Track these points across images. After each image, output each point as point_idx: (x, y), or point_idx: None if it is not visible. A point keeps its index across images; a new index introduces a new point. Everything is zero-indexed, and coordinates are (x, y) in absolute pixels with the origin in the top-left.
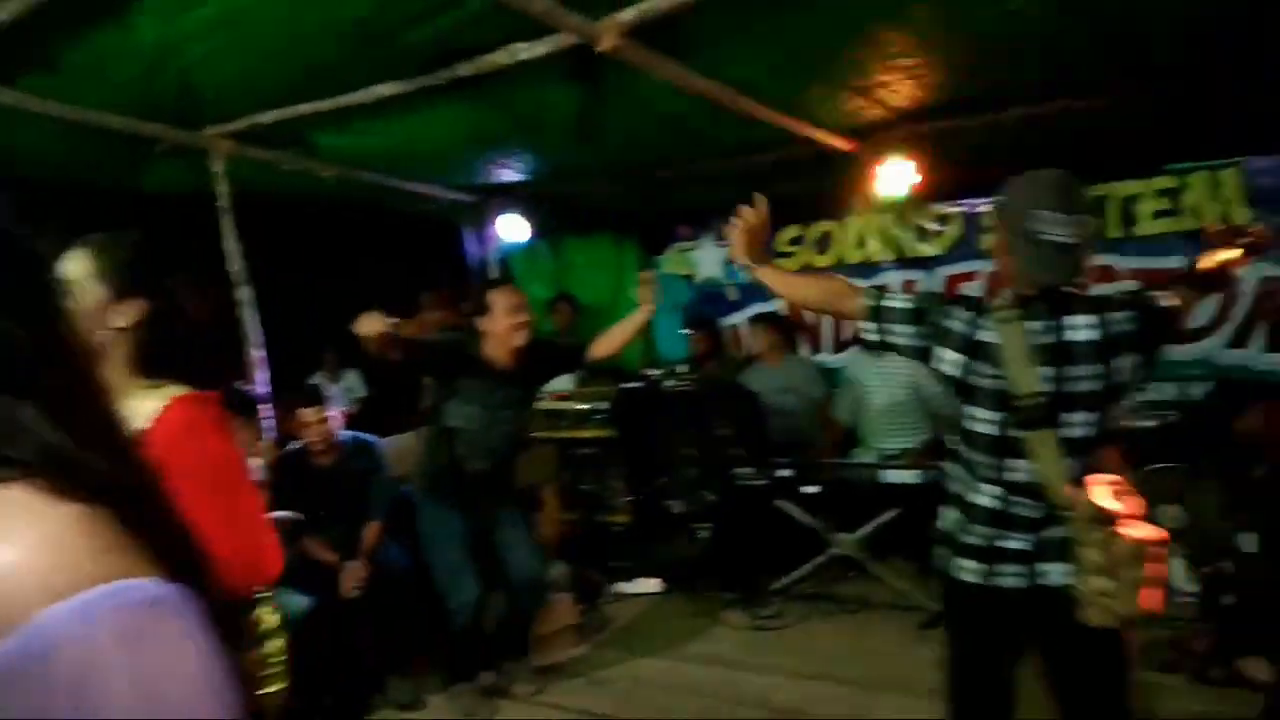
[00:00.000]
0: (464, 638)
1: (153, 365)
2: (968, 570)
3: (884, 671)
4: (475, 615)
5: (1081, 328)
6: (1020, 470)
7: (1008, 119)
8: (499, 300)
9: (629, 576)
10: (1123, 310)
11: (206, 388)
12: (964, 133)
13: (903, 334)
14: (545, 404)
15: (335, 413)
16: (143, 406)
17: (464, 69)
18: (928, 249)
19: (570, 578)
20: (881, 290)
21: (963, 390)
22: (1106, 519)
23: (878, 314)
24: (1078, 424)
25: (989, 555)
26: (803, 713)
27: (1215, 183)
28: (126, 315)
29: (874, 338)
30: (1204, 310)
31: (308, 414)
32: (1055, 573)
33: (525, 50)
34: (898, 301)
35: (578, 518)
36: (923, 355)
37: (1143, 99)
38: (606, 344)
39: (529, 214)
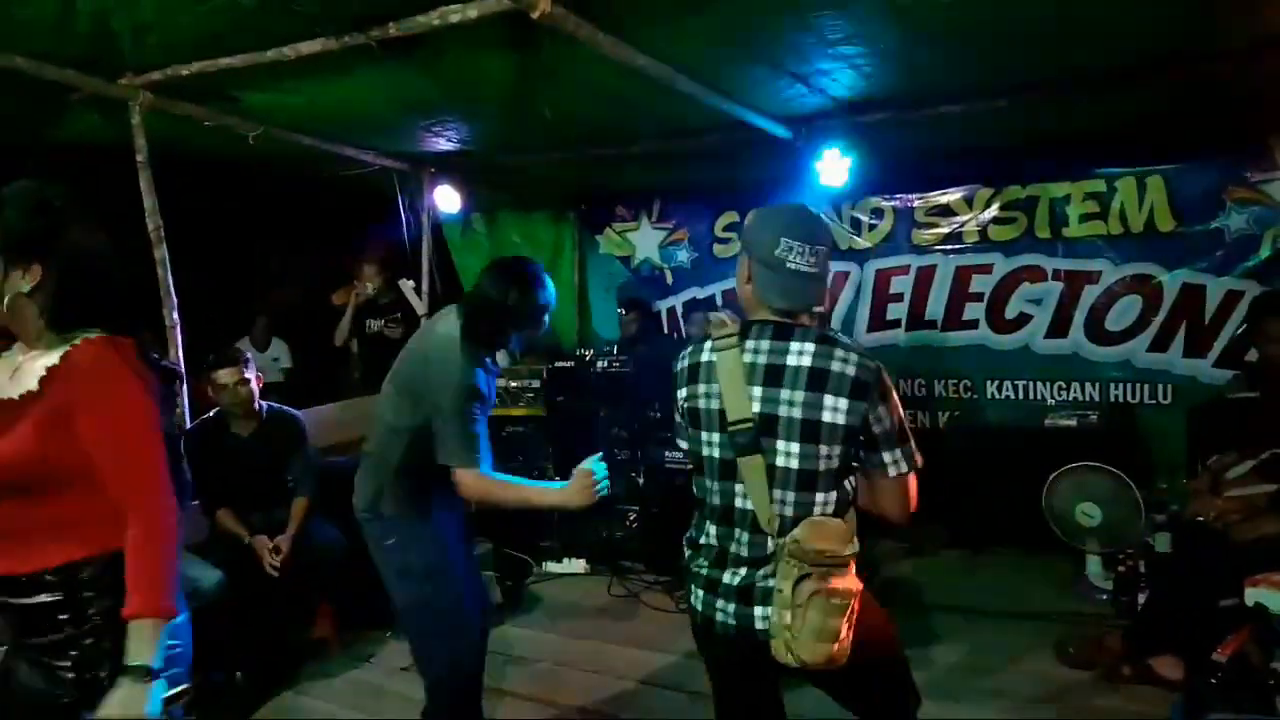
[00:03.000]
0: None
1: (63, 320)
2: (696, 599)
3: None
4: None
5: (800, 354)
6: (734, 495)
7: (945, 115)
8: None
9: (555, 556)
10: (847, 357)
11: (126, 334)
12: (902, 126)
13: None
14: None
15: (253, 376)
16: (51, 355)
17: (393, 29)
18: (860, 242)
19: (496, 556)
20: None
21: (693, 416)
22: (807, 557)
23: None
24: (789, 454)
25: (710, 587)
26: None
27: (1142, 188)
28: (28, 279)
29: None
30: (1125, 313)
31: (224, 374)
32: (758, 615)
33: (456, 13)
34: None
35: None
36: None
37: (1076, 102)
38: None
39: (465, 186)
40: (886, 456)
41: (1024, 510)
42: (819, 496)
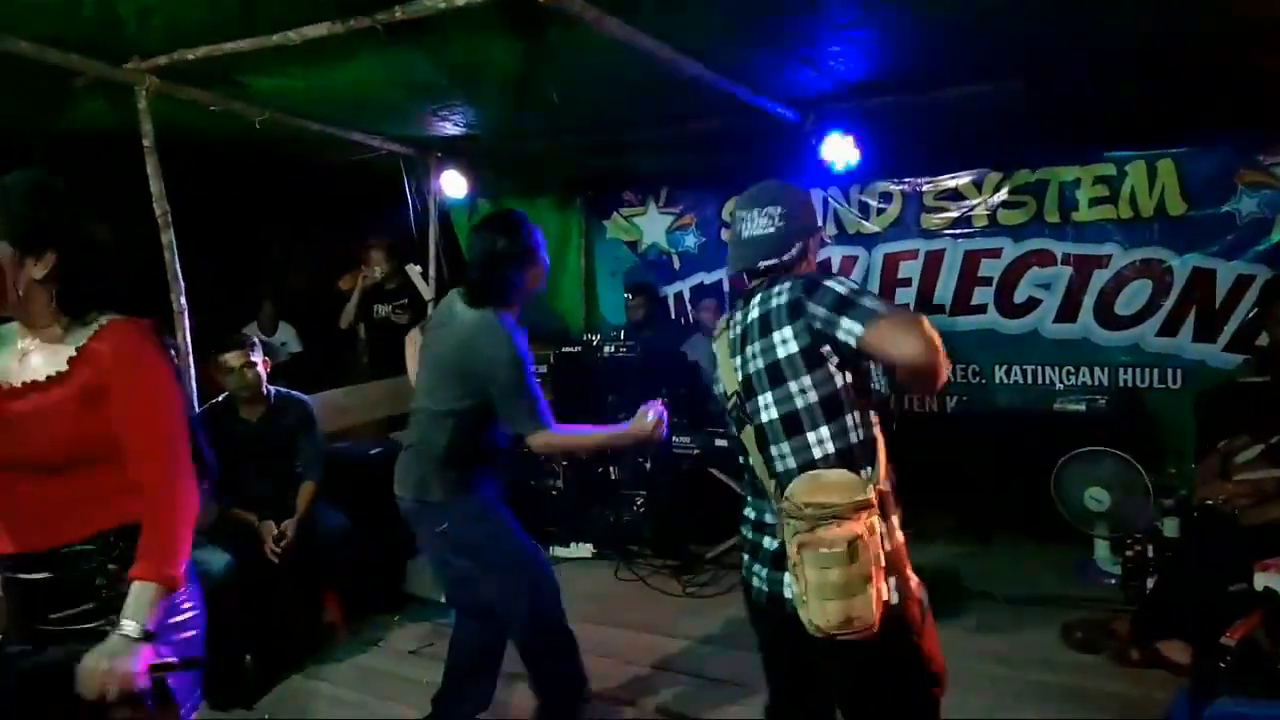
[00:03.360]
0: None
1: (75, 304)
2: (744, 565)
3: None
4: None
5: (754, 308)
6: (751, 468)
7: (953, 97)
8: None
9: (563, 541)
10: (782, 289)
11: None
12: (910, 110)
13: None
14: None
15: (260, 360)
16: (73, 337)
17: (399, 12)
18: (869, 226)
19: None
20: None
21: (721, 403)
22: (801, 513)
23: None
24: (767, 405)
25: (752, 551)
26: (732, 681)
27: (1152, 171)
28: (41, 268)
29: None
30: (1135, 297)
31: (230, 358)
32: (786, 581)
33: None
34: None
35: (513, 481)
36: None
37: (1086, 83)
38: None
39: (472, 171)
40: (844, 328)
41: (1032, 495)
42: (811, 437)
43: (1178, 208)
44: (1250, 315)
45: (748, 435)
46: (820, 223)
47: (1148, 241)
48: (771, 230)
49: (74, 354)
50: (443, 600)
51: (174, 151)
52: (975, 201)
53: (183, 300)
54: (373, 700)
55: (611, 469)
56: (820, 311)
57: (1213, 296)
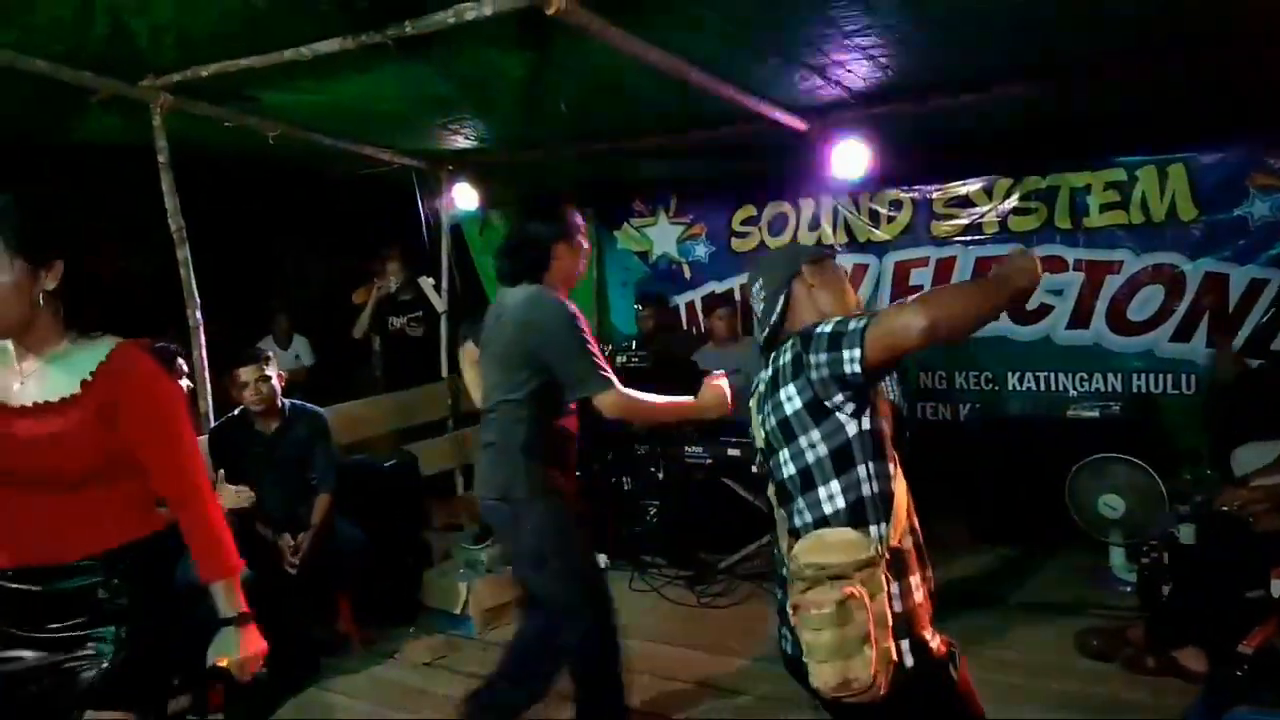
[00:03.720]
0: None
1: (84, 319)
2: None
3: None
4: None
5: (769, 366)
6: (778, 521)
7: (963, 104)
8: None
9: None
10: (788, 340)
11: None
12: (919, 117)
13: None
14: None
15: (275, 374)
16: (82, 357)
17: (409, 28)
18: (879, 234)
19: None
20: None
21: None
22: (802, 574)
23: None
24: (785, 461)
25: (780, 614)
26: (746, 691)
27: (1163, 176)
28: (52, 278)
29: None
30: (1147, 303)
31: (245, 373)
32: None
33: (471, 10)
34: None
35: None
36: None
37: (1095, 88)
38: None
39: (483, 183)
40: (845, 355)
41: (1046, 502)
42: (821, 492)
43: (1189, 212)
44: (1265, 319)
45: (771, 492)
46: (797, 266)
47: (1159, 246)
48: (762, 305)
49: (88, 377)
50: (456, 612)
51: (189, 166)
52: (986, 208)
53: (199, 315)
54: (388, 712)
55: (625, 479)
56: (819, 358)
57: (1226, 301)
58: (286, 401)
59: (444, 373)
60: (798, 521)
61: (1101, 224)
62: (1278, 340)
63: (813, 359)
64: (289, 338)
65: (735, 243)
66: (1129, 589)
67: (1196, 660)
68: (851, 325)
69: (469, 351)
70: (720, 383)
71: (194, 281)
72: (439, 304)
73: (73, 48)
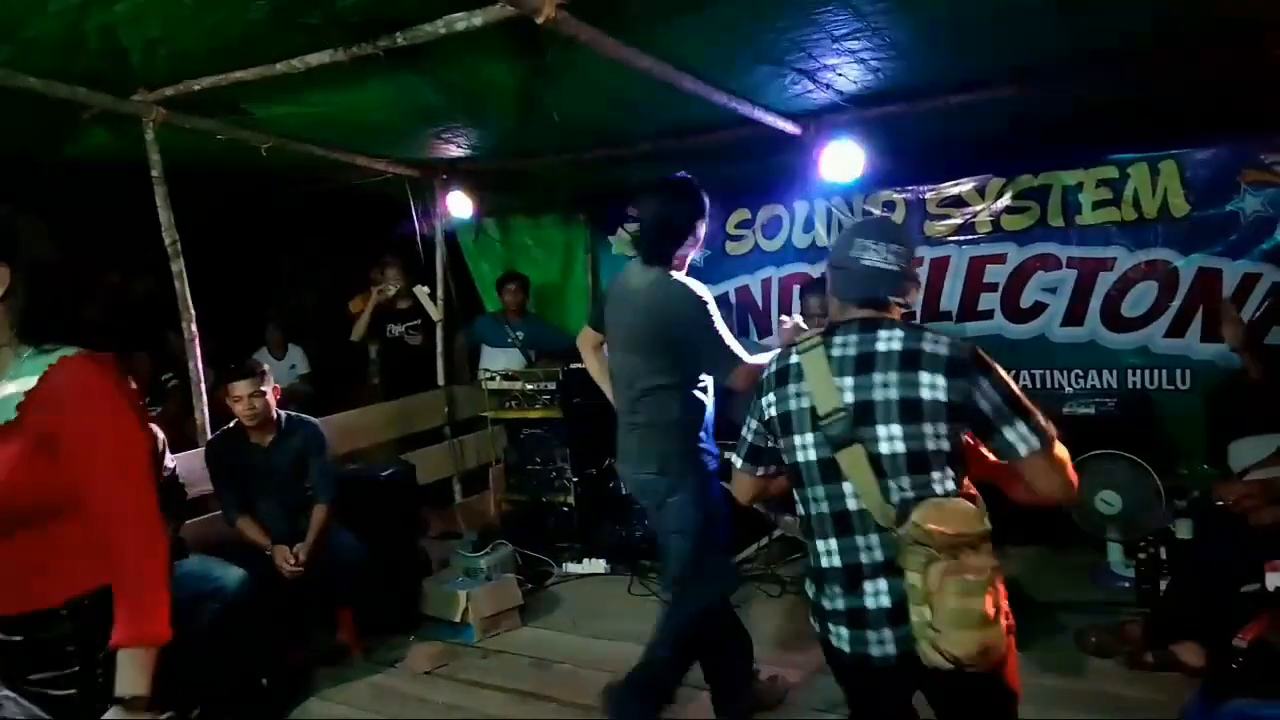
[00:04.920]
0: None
1: (36, 329)
2: (839, 639)
3: None
4: None
5: (889, 340)
6: (844, 496)
7: (954, 105)
8: None
9: (576, 557)
10: (938, 339)
11: (106, 351)
12: (911, 118)
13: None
14: (492, 385)
15: (269, 388)
16: (28, 370)
17: (400, 39)
18: None
19: (516, 558)
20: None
21: (783, 422)
22: (933, 540)
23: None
24: (891, 438)
25: (856, 621)
26: None
27: (1154, 173)
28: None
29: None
30: (1141, 299)
31: (239, 387)
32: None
33: (462, 20)
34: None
35: (525, 499)
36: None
37: (1085, 86)
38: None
39: (477, 191)
40: (1010, 435)
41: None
42: (935, 475)
43: (1181, 208)
44: (1258, 313)
45: (852, 457)
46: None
47: (1152, 243)
48: (894, 269)
49: (22, 399)
50: (456, 620)
51: (182, 180)
52: (979, 208)
53: (194, 328)
54: None
55: (623, 484)
56: (990, 402)
57: (1219, 296)
58: (282, 414)
59: (440, 381)
60: (895, 496)
61: (1094, 221)
62: (1272, 334)
63: (983, 385)
64: (283, 349)
65: (730, 245)
66: (1127, 585)
67: (1195, 655)
68: (1037, 420)
69: (589, 336)
70: (794, 321)
71: (189, 294)
72: (434, 313)
73: (64, 64)
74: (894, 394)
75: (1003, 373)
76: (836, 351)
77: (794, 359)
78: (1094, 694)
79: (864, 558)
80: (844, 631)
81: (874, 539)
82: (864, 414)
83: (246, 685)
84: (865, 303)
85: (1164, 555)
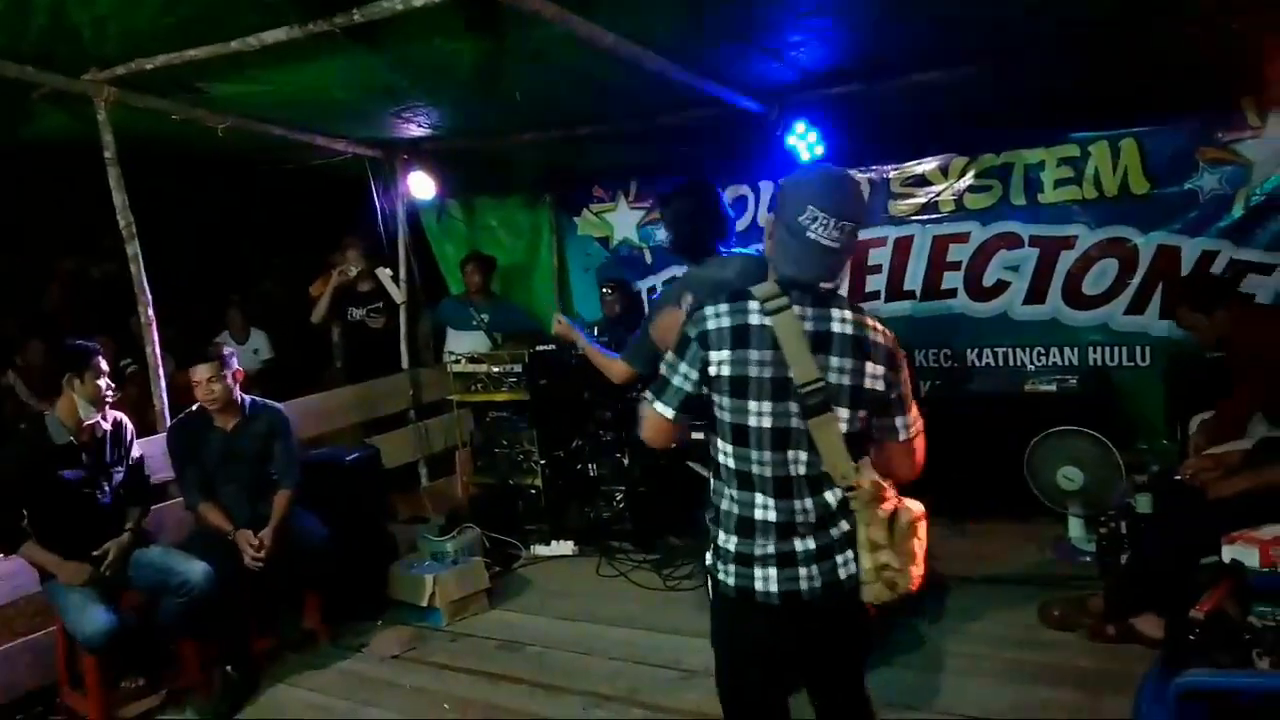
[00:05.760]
0: None
1: None
2: (763, 580)
3: None
4: None
5: (842, 322)
6: (789, 463)
7: (917, 84)
8: None
9: (543, 539)
10: (876, 326)
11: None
12: (874, 97)
13: (685, 380)
14: (459, 367)
15: (230, 372)
16: None
17: (357, 15)
18: None
19: (484, 541)
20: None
21: (735, 384)
22: (885, 497)
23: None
24: (844, 418)
25: (785, 561)
26: (713, 673)
27: (1115, 152)
28: None
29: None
30: (1102, 277)
31: (199, 371)
32: (839, 565)
33: None
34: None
35: (492, 481)
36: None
37: (1046, 65)
38: None
39: (439, 171)
40: (899, 421)
41: (1006, 476)
42: (857, 451)
43: (1141, 186)
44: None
45: (825, 426)
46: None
47: (1113, 221)
48: (838, 247)
49: None
50: (423, 604)
51: (138, 161)
52: (942, 187)
53: (150, 313)
54: (357, 705)
55: (590, 466)
56: (898, 392)
57: (1178, 273)
58: (246, 398)
59: (405, 364)
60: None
61: (1056, 200)
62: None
63: (896, 378)
64: (245, 332)
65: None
66: (1088, 559)
67: (1154, 627)
68: (916, 411)
69: (676, 314)
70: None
71: (145, 278)
72: (397, 295)
73: (12, 41)
74: (848, 380)
75: (906, 373)
76: (805, 325)
77: (758, 319)
78: (1056, 666)
79: (799, 518)
80: (772, 572)
81: (809, 503)
82: (832, 393)
83: (212, 675)
84: (815, 277)
85: (1124, 529)
